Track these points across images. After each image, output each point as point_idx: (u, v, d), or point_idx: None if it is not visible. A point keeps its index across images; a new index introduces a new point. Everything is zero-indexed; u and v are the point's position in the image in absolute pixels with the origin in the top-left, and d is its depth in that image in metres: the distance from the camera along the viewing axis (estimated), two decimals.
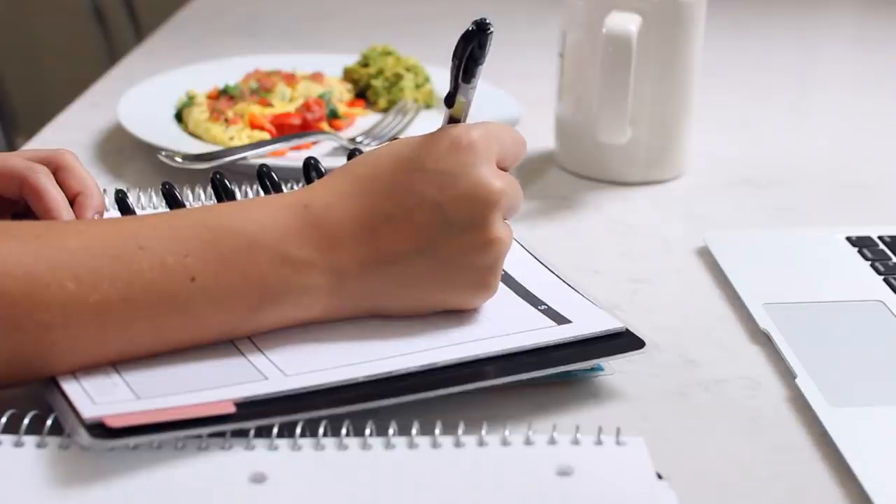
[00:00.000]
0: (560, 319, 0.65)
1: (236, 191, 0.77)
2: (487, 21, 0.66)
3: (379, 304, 0.64)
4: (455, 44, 0.66)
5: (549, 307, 0.66)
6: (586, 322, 0.65)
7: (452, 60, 0.65)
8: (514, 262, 0.71)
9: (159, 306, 0.59)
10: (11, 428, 0.57)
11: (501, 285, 0.69)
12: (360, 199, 0.63)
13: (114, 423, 0.54)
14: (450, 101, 0.66)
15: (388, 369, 0.60)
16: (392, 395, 0.59)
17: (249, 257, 0.60)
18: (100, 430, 0.55)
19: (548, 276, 0.70)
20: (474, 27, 0.65)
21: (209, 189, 0.77)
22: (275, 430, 0.57)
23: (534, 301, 0.67)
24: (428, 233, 0.62)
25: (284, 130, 0.96)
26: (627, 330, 0.65)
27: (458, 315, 0.65)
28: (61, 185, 0.70)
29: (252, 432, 0.56)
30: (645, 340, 0.64)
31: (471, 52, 0.65)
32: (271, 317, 0.62)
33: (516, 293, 0.68)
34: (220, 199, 0.75)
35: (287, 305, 0.62)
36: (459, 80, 0.66)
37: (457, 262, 0.63)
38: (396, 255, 0.62)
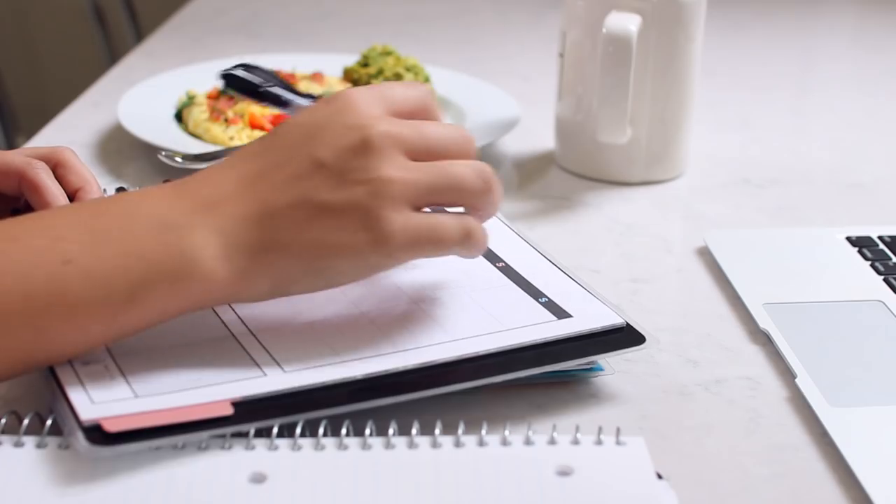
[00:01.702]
0: (560, 313, 0.65)
1: None
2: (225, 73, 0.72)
3: (280, 267, 0.59)
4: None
5: (549, 300, 0.66)
6: (587, 317, 0.65)
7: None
8: (515, 254, 0.71)
9: (33, 299, 0.55)
10: (11, 428, 0.57)
11: (502, 276, 0.69)
12: (236, 165, 0.60)
13: (111, 428, 0.54)
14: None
15: (386, 367, 0.60)
16: (389, 394, 0.59)
17: (127, 229, 0.57)
18: (97, 434, 0.55)
19: (549, 267, 0.70)
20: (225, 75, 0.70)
21: None
22: (275, 430, 0.57)
23: (535, 293, 0.67)
24: (304, 179, 0.59)
25: None
26: (628, 325, 0.65)
27: (457, 308, 0.65)
28: (60, 181, 0.70)
29: (252, 432, 0.56)
30: (646, 336, 0.64)
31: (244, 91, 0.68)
32: (164, 296, 0.57)
33: (517, 284, 0.68)
34: None
35: (179, 279, 0.57)
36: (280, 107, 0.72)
37: (339, 205, 0.58)
38: (277, 206, 0.58)
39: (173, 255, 0.57)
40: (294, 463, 0.55)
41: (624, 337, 0.64)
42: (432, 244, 0.60)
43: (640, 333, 0.64)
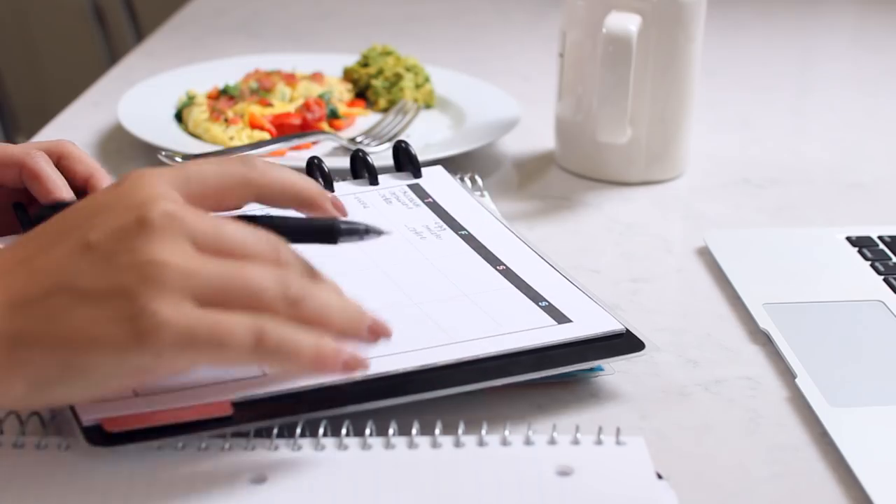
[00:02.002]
0: (560, 318, 0.65)
1: None
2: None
3: (34, 365, 0.51)
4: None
5: (549, 304, 0.66)
6: (587, 322, 0.65)
7: None
8: (516, 256, 0.71)
9: None
10: (11, 428, 0.57)
11: (502, 279, 0.69)
12: (4, 251, 0.54)
13: (111, 428, 0.54)
14: None
15: (386, 369, 0.60)
16: (388, 395, 0.59)
17: None
18: (97, 434, 0.55)
19: (549, 270, 0.70)
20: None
21: None
22: (274, 431, 0.57)
23: (535, 297, 0.67)
24: (68, 264, 0.51)
25: (284, 130, 0.96)
26: (628, 331, 0.65)
27: (458, 310, 0.65)
28: (67, 173, 0.69)
29: (252, 432, 0.56)
30: (645, 342, 0.64)
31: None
32: None
33: (517, 288, 0.68)
34: None
35: None
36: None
37: (100, 292, 0.50)
38: (33, 294, 0.51)
39: None
40: (294, 463, 0.55)
41: (623, 343, 0.64)
42: (212, 348, 0.50)
43: (639, 339, 0.64)
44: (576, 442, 0.56)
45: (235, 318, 0.51)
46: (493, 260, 0.71)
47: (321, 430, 0.57)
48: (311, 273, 0.55)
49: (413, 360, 0.61)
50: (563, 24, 0.93)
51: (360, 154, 0.79)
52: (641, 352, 0.63)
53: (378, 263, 0.69)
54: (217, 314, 0.51)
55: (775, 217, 0.90)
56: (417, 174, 0.78)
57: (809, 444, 0.60)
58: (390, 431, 0.57)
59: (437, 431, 0.57)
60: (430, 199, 0.77)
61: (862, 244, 0.81)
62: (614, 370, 0.65)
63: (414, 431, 0.57)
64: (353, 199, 0.76)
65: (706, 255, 0.81)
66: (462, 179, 0.86)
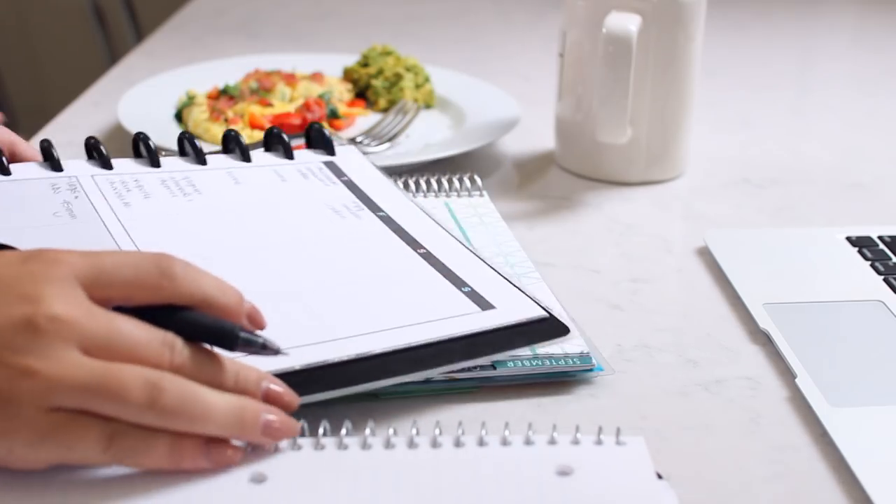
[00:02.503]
0: (484, 304, 0.65)
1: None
2: None
3: None
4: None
5: (472, 290, 0.66)
6: (510, 308, 0.65)
7: None
8: (435, 241, 0.71)
9: None
10: None
11: (424, 263, 0.69)
12: None
13: None
14: None
15: (323, 358, 0.59)
16: (326, 388, 0.58)
17: None
18: None
19: (468, 255, 0.70)
20: None
21: None
22: None
23: (457, 282, 0.67)
24: None
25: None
26: (552, 315, 0.65)
27: (383, 294, 0.65)
28: None
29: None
30: (569, 326, 0.64)
31: None
32: None
33: (439, 272, 0.68)
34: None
35: None
36: None
37: None
38: None
39: None
40: (294, 463, 0.55)
41: (548, 328, 0.64)
42: (62, 449, 0.52)
43: (563, 324, 0.64)
44: (576, 442, 0.56)
45: (88, 420, 0.51)
46: (413, 243, 0.71)
47: (321, 430, 0.57)
48: (204, 372, 0.54)
49: (350, 348, 0.60)
50: (563, 24, 0.93)
51: (275, 131, 0.81)
52: (567, 336, 0.64)
53: (302, 241, 0.69)
54: (71, 420, 0.51)
55: (775, 217, 0.90)
56: (331, 152, 0.79)
57: (809, 444, 0.60)
58: (390, 431, 0.57)
59: (437, 431, 0.57)
60: (345, 178, 0.78)
61: (862, 244, 0.81)
62: (614, 370, 0.65)
63: (414, 431, 0.57)
64: (271, 172, 0.77)
65: (706, 255, 0.81)
66: (462, 179, 0.86)
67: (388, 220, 0.73)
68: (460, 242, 0.72)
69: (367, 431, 0.57)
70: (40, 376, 0.50)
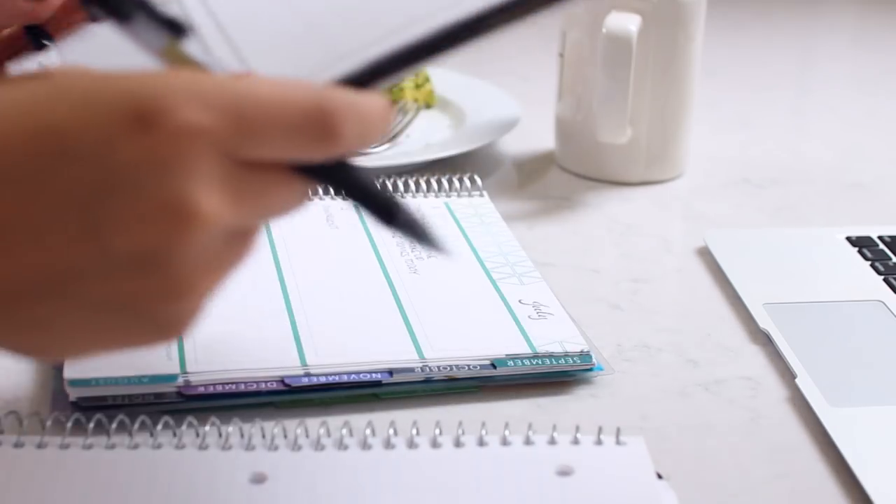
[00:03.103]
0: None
1: None
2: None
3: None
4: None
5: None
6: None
7: None
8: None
9: None
10: (11, 428, 0.57)
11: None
12: None
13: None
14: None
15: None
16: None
17: None
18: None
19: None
20: None
21: None
22: (275, 430, 0.57)
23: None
24: (69, 269, 0.39)
25: None
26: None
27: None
28: None
29: (252, 433, 0.56)
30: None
31: None
32: None
33: None
34: None
35: None
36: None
37: (117, 309, 0.41)
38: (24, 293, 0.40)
39: None
40: (294, 463, 0.55)
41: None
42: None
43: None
44: (576, 442, 0.56)
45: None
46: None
47: (321, 430, 0.57)
48: None
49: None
50: (563, 24, 0.93)
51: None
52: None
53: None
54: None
55: (775, 217, 0.90)
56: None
57: (809, 444, 0.60)
58: (390, 431, 0.57)
59: (437, 431, 0.57)
60: None
61: (862, 244, 0.81)
62: (614, 370, 0.65)
63: (414, 431, 0.57)
64: None
65: (706, 255, 0.81)
66: (461, 179, 0.86)
67: None
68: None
69: (368, 431, 0.57)
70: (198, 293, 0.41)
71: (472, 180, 0.87)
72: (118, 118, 0.38)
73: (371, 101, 0.42)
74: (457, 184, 0.86)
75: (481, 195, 0.85)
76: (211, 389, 0.59)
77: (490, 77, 1.13)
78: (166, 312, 0.41)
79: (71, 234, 0.38)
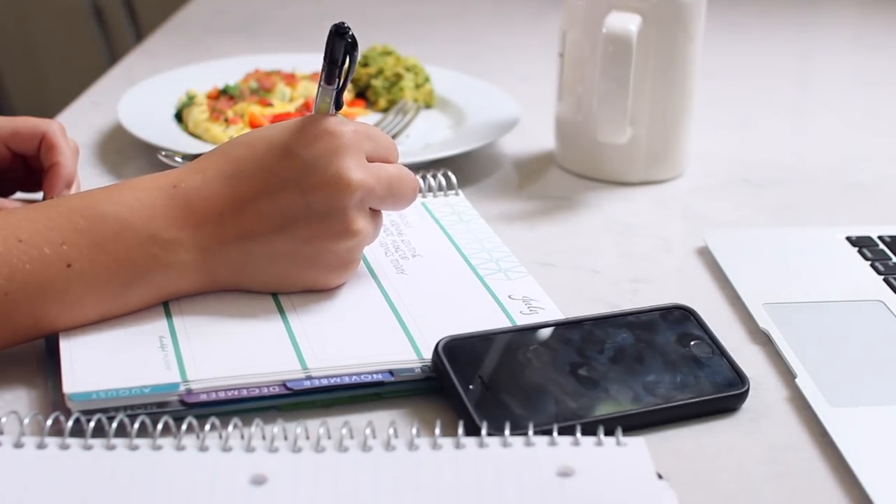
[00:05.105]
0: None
1: None
2: (345, 25, 0.67)
3: (243, 280, 0.68)
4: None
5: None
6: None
7: (322, 60, 0.68)
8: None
9: (39, 297, 0.62)
10: (11, 428, 0.57)
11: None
12: (229, 180, 0.66)
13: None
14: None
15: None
16: None
17: (120, 240, 0.63)
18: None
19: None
20: (333, 30, 0.66)
21: None
22: (275, 432, 0.57)
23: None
24: (289, 215, 0.65)
25: None
26: None
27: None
28: (37, 151, 0.79)
29: (252, 434, 0.56)
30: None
31: (330, 54, 0.67)
32: (143, 293, 0.65)
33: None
34: None
35: (157, 282, 0.65)
36: (322, 81, 0.68)
37: (314, 246, 0.66)
38: (258, 234, 0.66)
39: (159, 266, 0.65)
40: (294, 464, 0.55)
41: None
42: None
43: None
44: (576, 442, 0.56)
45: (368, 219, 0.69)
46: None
47: (321, 431, 0.57)
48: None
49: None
50: (563, 24, 0.93)
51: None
52: None
53: None
54: (371, 222, 0.69)
55: (775, 217, 0.90)
56: None
57: (809, 444, 0.60)
58: (390, 432, 0.57)
59: (437, 432, 0.57)
60: None
61: (862, 244, 0.81)
62: None
63: (414, 432, 0.57)
64: None
65: (706, 255, 0.81)
66: (435, 176, 0.86)
67: None
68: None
69: (368, 432, 0.57)
70: (363, 184, 0.67)
71: (447, 177, 0.86)
72: (313, 132, 0.67)
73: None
74: (431, 182, 0.85)
75: (456, 193, 0.85)
76: (213, 396, 0.59)
77: (490, 77, 1.13)
78: (345, 248, 0.67)
79: (290, 194, 0.65)
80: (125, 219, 0.64)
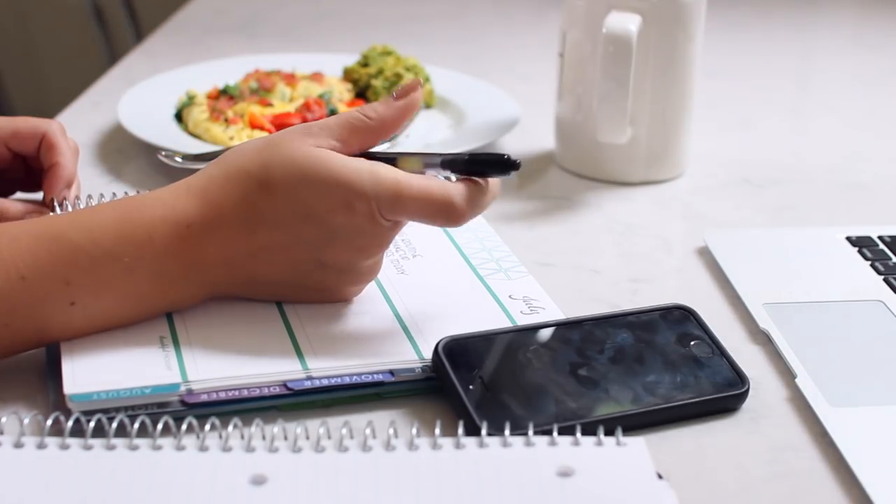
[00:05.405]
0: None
1: None
2: (518, 163, 0.66)
3: (248, 297, 0.68)
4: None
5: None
6: None
7: None
8: None
9: (41, 329, 0.62)
10: (11, 428, 0.57)
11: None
12: (246, 227, 0.64)
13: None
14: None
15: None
16: None
17: (129, 280, 0.63)
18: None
19: None
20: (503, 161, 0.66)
21: None
22: (275, 432, 0.57)
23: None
24: (302, 270, 0.66)
25: None
26: None
27: None
28: (37, 152, 0.80)
29: (252, 434, 0.56)
30: None
31: (482, 174, 0.66)
32: (148, 318, 0.65)
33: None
34: None
35: (163, 310, 0.65)
36: (445, 166, 0.67)
37: (327, 286, 0.67)
38: (269, 276, 0.66)
39: (165, 300, 0.65)
40: (295, 464, 0.55)
41: None
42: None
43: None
44: (576, 443, 0.56)
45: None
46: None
47: (321, 431, 0.57)
48: None
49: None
50: (563, 24, 0.93)
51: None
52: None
53: None
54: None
55: (775, 217, 0.90)
56: None
57: (809, 444, 0.60)
58: (390, 432, 0.57)
59: (437, 432, 0.57)
60: None
61: (862, 244, 0.81)
62: None
63: (414, 432, 0.57)
64: None
65: (706, 255, 0.81)
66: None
67: None
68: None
69: (368, 432, 0.57)
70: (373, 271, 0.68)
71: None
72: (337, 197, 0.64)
73: (484, 192, 0.65)
74: None
75: None
76: (214, 396, 0.59)
77: (490, 77, 1.13)
78: (366, 264, 0.67)
79: (307, 253, 0.65)
80: (133, 261, 0.62)
